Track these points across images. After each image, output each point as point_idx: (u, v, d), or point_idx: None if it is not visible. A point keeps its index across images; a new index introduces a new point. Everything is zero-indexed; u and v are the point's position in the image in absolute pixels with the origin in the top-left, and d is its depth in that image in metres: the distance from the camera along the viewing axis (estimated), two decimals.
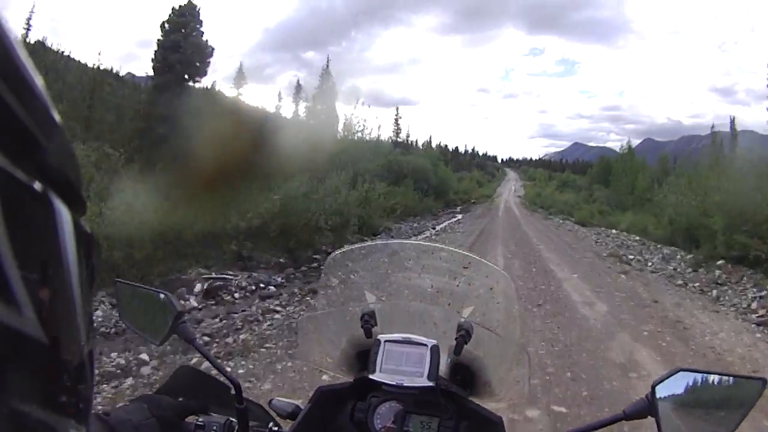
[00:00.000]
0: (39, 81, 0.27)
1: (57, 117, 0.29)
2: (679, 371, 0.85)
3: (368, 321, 1.11)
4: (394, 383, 1.05)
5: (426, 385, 1.03)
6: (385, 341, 1.08)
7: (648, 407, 0.85)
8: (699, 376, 0.86)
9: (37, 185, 0.26)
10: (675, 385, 0.85)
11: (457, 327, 1.08)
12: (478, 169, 56.39)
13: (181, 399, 0.99)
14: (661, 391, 0.84)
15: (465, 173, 49.62)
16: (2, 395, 0.23)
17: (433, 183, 26.83)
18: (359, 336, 1.12)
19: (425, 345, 1.06)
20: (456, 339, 1.07)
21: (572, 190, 37.64)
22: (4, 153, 0.24)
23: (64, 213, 0.28)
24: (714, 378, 0.88)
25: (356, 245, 1.32)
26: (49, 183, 0.27)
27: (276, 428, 1.01)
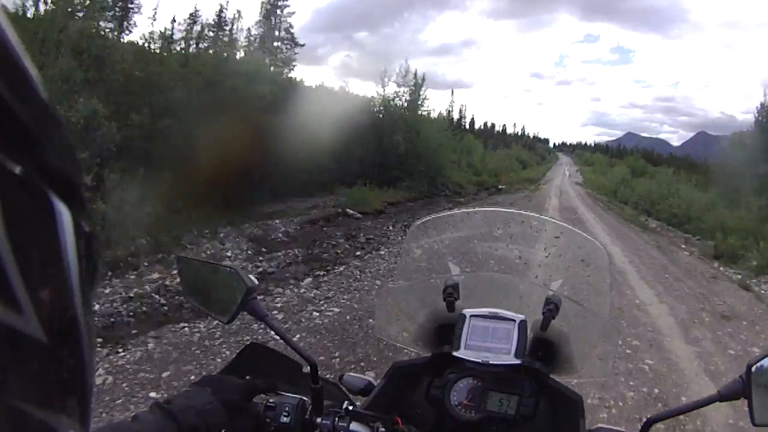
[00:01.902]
0: (38, 79, 0.26)
1: (57, 115, 0.29)
2: None
3: (451, 294, 1.08)
4: (479, 360, 1.02)
5: (512, 362, 1.01)
6: (471, 316, 1.05)
7: (742, 388, 0.82)
8: None
9: (38, 184, 0.26)
10: None
11: (545, 301, 1.05)
12: (525, 149, 48.69)
13: (248, 378, 0.96)
14: (757, 371, 0.81)
15: (506, 151, 42.36)
16: (2, 395, 0.23)
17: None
18: (441, 310, 1.09)
19: (513, 320, 1.04)
20: (543, 313, 1.04)
21: (650, 180, 28.37)
22: (4, 152, 0.24)
23: (64, 213, 0.28)
24: None
25: (443, 213, 1.28)
26: (49, 182, 0.27)
27: (351, 407, 0.96)
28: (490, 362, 1.02)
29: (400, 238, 10.39)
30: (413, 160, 19.35)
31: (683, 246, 12.57)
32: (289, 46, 22.83)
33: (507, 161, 37.31)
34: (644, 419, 0.88)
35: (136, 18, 16.76)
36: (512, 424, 1.03)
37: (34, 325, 0.25)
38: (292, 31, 22.91)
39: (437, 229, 1.25)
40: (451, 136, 25.95)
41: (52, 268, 0.27)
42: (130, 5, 16.58)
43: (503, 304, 1.10)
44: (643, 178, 29.33)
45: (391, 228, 11.99)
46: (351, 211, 13.21)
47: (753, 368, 0.82)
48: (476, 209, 1.34)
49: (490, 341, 1.03)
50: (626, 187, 27.45)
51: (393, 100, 21.31)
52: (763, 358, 0.82)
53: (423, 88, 21.96)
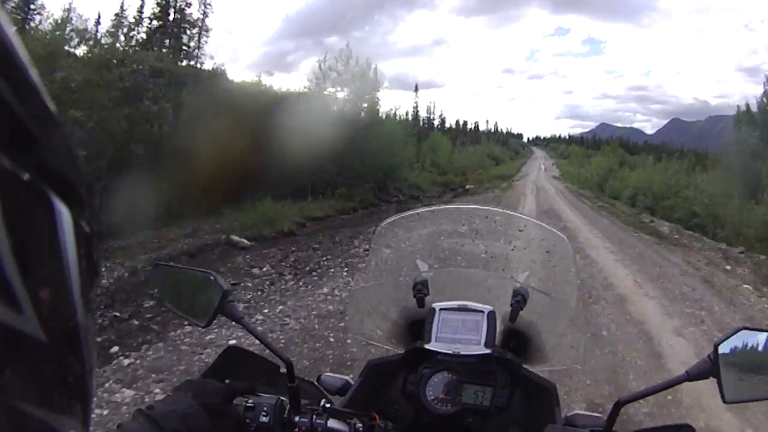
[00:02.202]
0: (37, 78, 0.27)
1: (57, 115, 0.28)
2: (741, 330, 0.84)
3: (421, 290, 1.10)
4: (450, 352, 1.05)
5: (483, 353, 1.04)
6: (440, 309, 1.08)
7: (710, 368, 0.82)
8: (762, 335, 0.85)
9: (37, 184, 0.26)
10: (737, 344, 0.84)
11: (513, 293, 1.08)
12: (498, 145, 46.75)
13: (228, 381, 0.97)
14: (724, 351, 0.83)
15: (477, 147, 40.68)
16: (2, 395, 0.23)
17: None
18: (411, 306, 1.12)
19: (481, 312, 1.07)
20: (511, 305, 1.07)
21: (650, 169, 24.83)
22: (4, 152, 0.24)
23: (64, 213, 0.28)
24: None
25: (406, 213, 1.29)
26: (49, 182, 0.27)
27: (328, 405, 0.97)
28: (461, 353, 1.04)
29: (292, 285, 6.73)
30: (356, 162, 16.07)
31: (730, 268, 8.42)
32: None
33: (477, 158, 35.36)
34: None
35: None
36: (488, 415, 1.04)
37: (34, 325, 0.25)
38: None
39: (404, 228, 1.26)
40: (409, 134, 23.22)
41: (52, 268, 0.27)
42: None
43: (472, 297, 1.11)
44: (627, 167, 27.87)
45: (284, 267, 7.52)
46: (237, 239, 9.32)
47: (720, 348, 0.82)
48: (441, 207, 1.34)
49: (460, 333, 1.06)
50: (616, 178, 25.11)
51: (331, 92, 18.64)
52: (728, 338, 0.83)
53: (379, 83, 19.84)
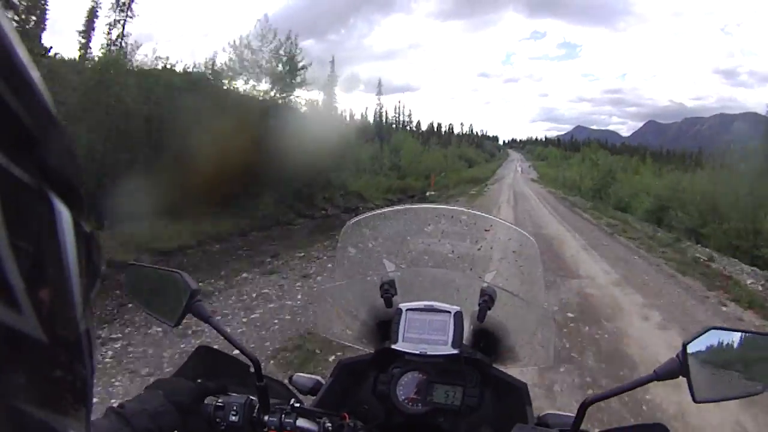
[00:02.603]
0: (39, 79, 0.27)
1: (57, 116, 0.29)
2: (710, 329, 0.84)
3: (388, 290, 1.10)
4: (417, 352, 1.04)
5: (450, 353, 1.03)
6: (407, 309, 1.08)
7: (679, 367, 0.82)
8: (730, 335, 0.85)
9: (37, 185, 0.26)
10: (706, 344, 0.83)
11: (480, 292, 1.08)
12: (473, 147, 44.82)
13: (199, 381, 0.97)
14: (693, 351, 0.82)
15: (447, 149, 37.89)
16: (2, 395, 0.24)
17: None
18: (379, 306, 1.12)
19: (448, 312, 1.06)
20: (479, 305, 1.07)
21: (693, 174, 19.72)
22: (4, 152, 0.24)
23: (64, 213, 0.28)
24: (746, 336, 0.86)
25: (374, 212, 1.29)
26: (49, 183, 0.27)
27: (297, 404, 0.98)
28: (428, 353, 1.04)
29: None
30: (267, 167, 11.50)
31: None
32: None
33: (446, 160, 31.23)
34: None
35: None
36: (459, 415, 1.05)
37: (34, 325, 0.25)
38: None
39: (370, 227, 1.26)
40: (363, 135, 20.41)
41: (52, 268, 0.27)
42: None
43: (440, 297, 1.11)
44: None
45: None
46: None
47: (688, 347, 0.82)
48: (407, 206, 1.33)
49: (426, 333, 1.06)
50: (618, 182, 19.84)
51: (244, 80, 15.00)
52: (697, 337, 0.83)
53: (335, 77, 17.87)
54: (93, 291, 0.32)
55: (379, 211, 1.28)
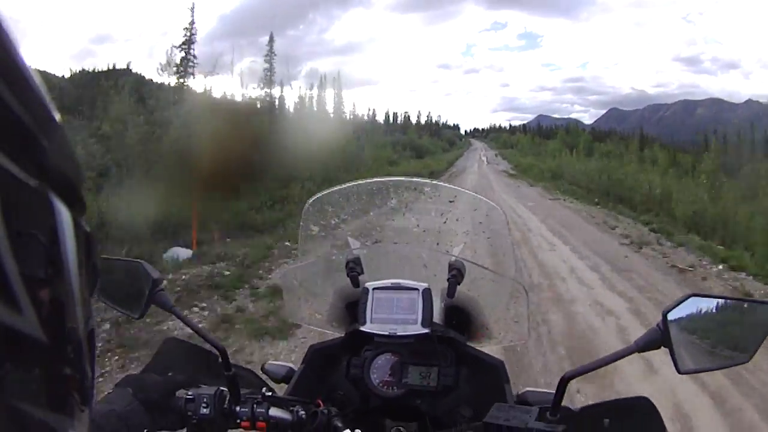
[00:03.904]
0: (38, 81, 0.27)
1: (57, 117, 0.28)
2: (691, 297, 0.81)
3: (354, 269, 1.07)
4: (386, 333, 1.01)
5: (420, 332, 1.00)
6: (374, 289, 1.04)
7: (661, 337, 0.79)
8: (711, 302, 0.83)
9: (38, 185, 0.26)
10: (687, 312, 0.81)
11: (449, 267, 1.04)
12: (427, 135, 38.74)
13: (170, 374, 0.96)
14: (673, 319, 0.80)
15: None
16: (2, 395, 0.23)
17: None
18: (346, 286, 1.08)
19: (416, 289, 1.03)
20: (448, 280, 1.03)
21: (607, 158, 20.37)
22: (5, 153, 0.24)
23: (64, 213, 0.28)
24: (727, 303, 0.85)
25: (335, 187, 1.22)
26: (49, 183, 0.27)
27: (269, 393, 0.95)
28: (398, 333, 1.01)
29: None
30: None
31: None
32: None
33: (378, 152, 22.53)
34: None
35: None
36: (436, 396, 1.02)
37: (34, 325, 0.25)
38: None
39: (332, 204, 1.21)
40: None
41: (52, 268, 0.27)
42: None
43: (408, 274, 1.08)
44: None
45: None
46: None
47: (669, 316, 0.80)
48: (368, 180, 1.26)
49: (395, 313, 1.03)
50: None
51: None
52: (677, 305, 0.80)
53: None
54: (93, 291, 0.32)
55: (340, 187, 1.23)
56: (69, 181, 0.29)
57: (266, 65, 21.63)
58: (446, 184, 1.29)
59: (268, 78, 21.12)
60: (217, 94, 17.47)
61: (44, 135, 0.26)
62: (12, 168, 0.24)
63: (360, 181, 1.25)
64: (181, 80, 17.05)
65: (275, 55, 21.75)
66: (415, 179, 1.28)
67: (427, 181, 1.27)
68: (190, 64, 17.82)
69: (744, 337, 0.84)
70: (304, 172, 12.22)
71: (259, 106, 18.15)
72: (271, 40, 22.13)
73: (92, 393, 0.32)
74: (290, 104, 22.52)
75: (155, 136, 10.84)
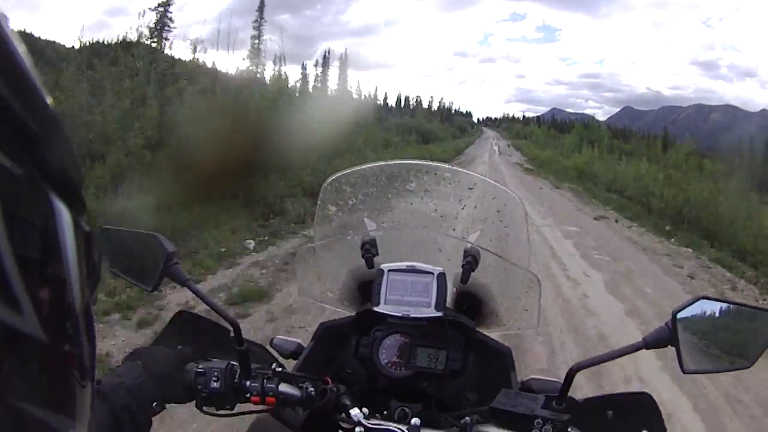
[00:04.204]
0: (38, 79, 0.27)
1: (57, 115, 0.28)
2: (701, 299, 0.82)
3: (369, 250, 1.08)
4: (399, 315, 1.02)
5: (433, 315, 1.01)
6: (389, 270, 1.05)
7: (669, 336, 0.81)
8: (720, 305, 0.84)
9: (38, 184, 0.26)
10: (695, 313, 0.82)
11: (464, 253, 1.05)
12: (437, 121, 36.60)
13: (180, 347, 0.96)
14: (682, 319, 0.81)
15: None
16: (2, 395, 0.23)
17: None
18: (360, 267, 1.09)
19: (431, 273, 1.04)
20: (462, 266, 1.04)
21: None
22: (4, 152, 0.24)
23: (64, 213, 0.28)
24: (735, 308, 0.86)
25: (354, 168, 1.23)
26: (49, 182, 0.27)
27: (279, 368, 0.96)
28: (411, 315, 1.02)
29: None
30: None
31: None
32: None
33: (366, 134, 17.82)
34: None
35: None
36: (442, 379, 1.03)
37: (34, 325, 0.25)
38: None
39: (351, 185, 1.21)
40: None
41: (52, 268, 0.27)
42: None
43: (423, 258, 1.08)
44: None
45: None
46: None
47: (678, 315, 0.81)
48: (388, 162, 1.27)
49: (409, 295, 1.04)
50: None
51: None
52: (687, 306, 0.82)
53: None
54: (93, 290, 0.32)
55: (360, 167, 1.23)
56: (69, 180, 0.29)
57: (254, 32, 20.25)
58: (466, 171, 1.29)
59: (256, 47, 19.82)
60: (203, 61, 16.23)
61: (44, 134, 0.27)
62: (12, 167, 0.24)
63: (380, 162, 1.26)
64: (154, 45, 15.87)
65: (264, 21, 20.38)
66: (435, 164, 1.29)
67: (447, 166, 1.28)
68: (166, 28, 16.62)
69: (748, 344, 0.85)
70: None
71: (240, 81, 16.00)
72: (262, 5, 20.76)
73: (94, 392, 0.32)
74: (289, 80, 20.64)
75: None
